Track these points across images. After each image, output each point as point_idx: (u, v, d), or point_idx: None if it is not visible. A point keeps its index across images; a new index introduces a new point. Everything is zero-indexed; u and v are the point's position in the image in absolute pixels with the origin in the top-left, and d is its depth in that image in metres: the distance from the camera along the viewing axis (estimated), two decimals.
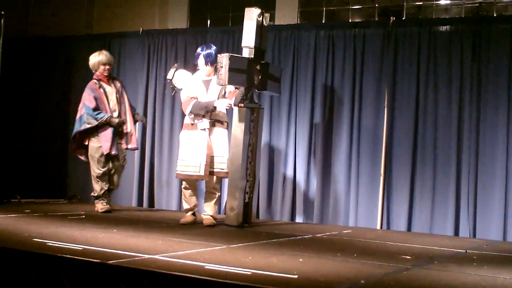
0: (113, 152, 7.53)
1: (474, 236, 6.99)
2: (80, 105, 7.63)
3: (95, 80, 7.63)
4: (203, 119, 6.61)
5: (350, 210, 7.59)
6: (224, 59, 6.34)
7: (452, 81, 7.26)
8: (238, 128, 6.55)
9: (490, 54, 7.15)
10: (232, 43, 8.46)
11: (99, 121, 7.44)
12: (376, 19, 8.49)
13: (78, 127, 7.57)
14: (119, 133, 7.61)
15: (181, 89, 6.85)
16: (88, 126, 7.46)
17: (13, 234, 5.10)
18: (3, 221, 6.08)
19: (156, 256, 4.21)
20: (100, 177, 7.58)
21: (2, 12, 8.49)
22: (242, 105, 6.53)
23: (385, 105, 7.49)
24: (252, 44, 6.59)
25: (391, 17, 7.69)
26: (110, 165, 7.65)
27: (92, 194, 7.74)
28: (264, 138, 8.10)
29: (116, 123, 7.52)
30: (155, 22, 9.78)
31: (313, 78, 7.94)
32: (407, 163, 7.38)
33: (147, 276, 3.62)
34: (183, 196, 6.89)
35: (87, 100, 7.53)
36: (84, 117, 7.51)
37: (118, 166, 7.71)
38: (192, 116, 6.64)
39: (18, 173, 9.63)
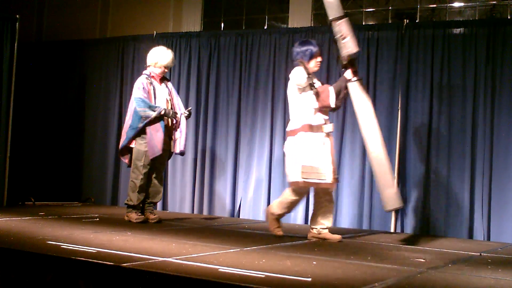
0: (182, 149, 6.93)
1: (489, 239, 6.96)
2: (130, 107, 6.95)
3: (145, 76, 6.94)
4: (328, 122, 6.00)
5: (364, 212, 7.57)
6: (343, 26, 5.74)
7: (466, 84, 7.23)
8: (365, 104, 5.90)
9: (504, 56, 7.11)
10: (246, 47, 8.47)
11: (156, 112, 6.71)
12: (390, 21, 8.48)
13: (136, 125, 6.78)
14: (169, 135, 6.94)
15: None
16: (147, 120, 6.70)
17: (27, 237, 5.13)
18: (17, 224, 6.12)
19: (170, 259, 4.22)
20: (140, 187, 6.82)
21: (18, 16, 8.55)
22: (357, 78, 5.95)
23: (399, 108, 7.47)
24: (343, 12, 5.97)
25: (405, 20, 7.68)
26: (156, 177, 6.99)
27: (126, 201, 6.97)
28: (278, 140, 8.12)
29: (171, 114, 6.80)
30: (169, 26, 9.82)
31: (327, 81, 7.93)
32: (421, 165, 7.36)
33: (161, 279, 3.63)
34: (286, 203, 6.10)
35: (138, 94, 6.80)
36: (139, 113, 6.75)
37: (161, 180, 7.12)
38: (334, 105, 5.92)
39: (33, 176, 9.69)
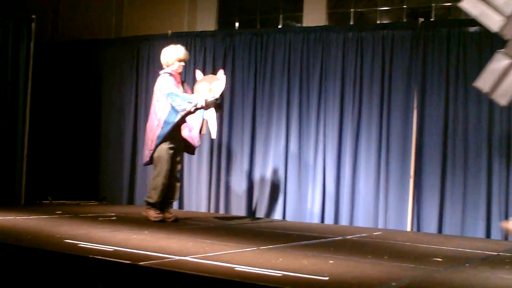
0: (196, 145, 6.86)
1: (506, 238, 6.92)
2: (158, 105, 6.77)
3: (168, 74, 6.81)
4: None
5: (380, 212, 7.56)
6: None
7: None
8: None
9: None
10: (260, 46, 8.48)
11: (192, 104, 6.58)
12: (405, 20, 8.45)
13: (173, 120, 6.65)
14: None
15: None
16: (184, 112, 6.60)
17: (45, 235, 5.16)
18: (35, 222, 6.16)
19: (187, 258, 4.24)
20: (163, 185, 6.72)
21: (34, 17, 8.61)
22: None
23: (415, 107, 7.45)
24: None
25: (420, 19, 7.64)
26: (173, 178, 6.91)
27: (145, 198, 6.92)
28: (294, 139, 8.12)
29: (216, 103, 6.64)
30: (184, 25, 9.84)
31: (342, 80, 7.93)
32: (437, 165, 7.33)
33: (178, 278, 3.65)
34: None
35: (170, 89, 6.66)
36: (175, 108, 6.62)
37: (178, 180, 7.08)
38: None
39: (50, 175, 9.74)
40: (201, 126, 6.90)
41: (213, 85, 6.78)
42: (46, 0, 10.65)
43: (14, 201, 8.30)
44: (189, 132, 6.94)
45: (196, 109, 6.64)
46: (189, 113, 6.67)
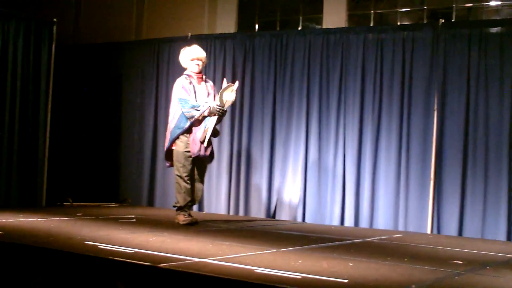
0: (201, 154, 6.72)
1: None
2: (172, 108, 6.86)
3: (185, 76, 6.87)
4: None
5: (399, 214, 7.52)
6: None
7: (504, 83, 7.14)
8: None
9: None
10: (280, 48, 8.47)
11: (199, 111, 6.63)
12: (425, 21, 8.41)
13: (183, 125, 6.70)
14: (213, 134, 6.82)
15: None
16: (193, 120, 6.65)
17: (66, 237, 5.20)
18: (56, 224, 6.20)
19: (206, 260, 4.24)
20: (185, 188, 6.74)
21: (55, 20, 8.68)
22: None
23: (435, 108, 7.41)
24: None
25: (440, 20, 7.60)
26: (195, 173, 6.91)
27: (174, 204, 6.94)
28: (313, 141, 8.11)
29: (216, 111, 6.63)
30: (204, 27, 9.86)
31: (362, 82, 7.91)
32: (458, 167, 7.28)
33: (197, 280, 3.65)
34: None
35: (179, 94, 6.73)
36: (184, 113, 6.69)
37: (201, 184, 7.00)
38: None
39: (71, 177, 9.81)
40: (203, 135, 6.72)
41: (229, 95, 6.76)
42: (67, 3, 10.74)
43: (36, 203, 8.39)
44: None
45: (204, 116, 6.67)
46: (197, 120, 6.69)
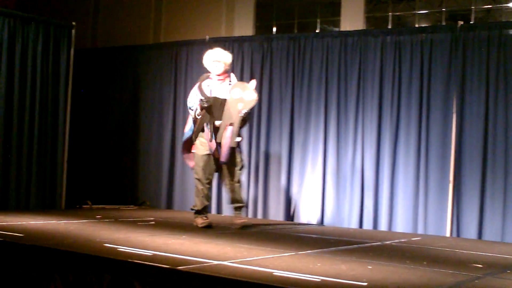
0: (222, 160, 6.65)
1: None
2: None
3: (206, 75, 6.91)
4: None
5: (419, 217, 7.49)
6: None
7: None
8: None
9: None
10: (298, 50, 8.47)
11: (194, 110, 6.70)
12: (444, 23, 8.37)
13: (192, 128, 6.84)
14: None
15: None
16: (194, 119, 6.75)
17: (85, 239, 5.23)
18: (75, 227, 6.24)
19: (225, 263, 4.24)
20: (202, 191, 6.74)
21: (74, 24, 8.75)
22: None
23: (454, 111, 7.37)
24: None
25: (459, 21, 7.56)
26: (227, 181, 6.90)
27: (192, 207, 6.95)
28: (331, 144, 8.10)
29: (205, 105, 6.58)
30: (222, 30, 9.89)
31: (380, 85, 7.89)
32: (477, 169, 7.24)
33: (216, 282, 3.66)
34: None
35: (189, 97, 6.85)
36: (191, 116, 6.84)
37: (233, 183, 6.90)
38: None
39: (90, 180, 9.87)
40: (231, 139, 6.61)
41: (245, 94, 6.74)
42: (85, 7, 10.82)
43: (55, 206, 8.45)
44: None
45: (199, 114, 6.70)
46: (196, 119, 6.74)
